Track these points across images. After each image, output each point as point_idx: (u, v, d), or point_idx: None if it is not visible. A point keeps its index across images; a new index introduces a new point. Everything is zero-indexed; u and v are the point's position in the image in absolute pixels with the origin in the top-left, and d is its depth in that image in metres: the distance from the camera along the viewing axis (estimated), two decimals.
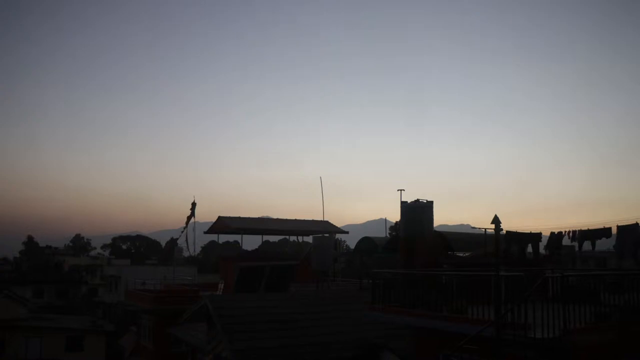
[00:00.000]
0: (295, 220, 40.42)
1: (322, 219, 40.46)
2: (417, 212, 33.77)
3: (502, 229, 12.57)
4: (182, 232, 39.88)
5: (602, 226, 26.90)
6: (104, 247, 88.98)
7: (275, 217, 45.16)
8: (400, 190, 36.20)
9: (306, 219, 40.84)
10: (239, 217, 38.61)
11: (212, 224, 38.41)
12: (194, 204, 40.91)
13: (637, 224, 25.70)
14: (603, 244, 27.26)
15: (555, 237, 28.46)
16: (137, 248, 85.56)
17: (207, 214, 47.75)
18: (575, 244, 27.61)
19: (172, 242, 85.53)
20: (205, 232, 39.76)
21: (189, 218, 38.79)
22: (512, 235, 27.57)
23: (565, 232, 28.09)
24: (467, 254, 29.62)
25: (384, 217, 50.37)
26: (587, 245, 27.05)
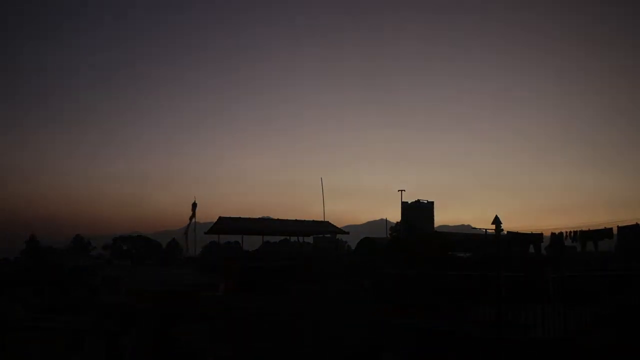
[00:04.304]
0: (296, 220, 40.40)
1: (322, 220, 40.45)
2: (418, 213, 33.83)
3: (502, 230, 12.60)
4: (184, 233, 39.89)
5: (602, 227, 26.92)
6: (104, 247, 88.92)
7: (275, 217, 45.15)
8: (401, 190, 36.25)
9: (307, 219, 40.82)
10: (240, 218, 38.60)
11: (212, 224, 38.40)
12: (194, 205, 40.97)
13: (637, 224, 25.71)
14: (605, 245, 27.26)
15: (557, 238, 28.47)
16: (138, 248, 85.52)
17: (207, 215, 47.75)
18: (577, 244, 27.63)
19: (173, 242, 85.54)
20: (206, 233, 39.75)
21: (190, 219, 38.84)
22: (514, 236, 27.58)
23: (567, 232, 28.11)
24: (468, 255, 29.58)
25: (384, 218, 50.37)
26: (589, 246, 27.07)
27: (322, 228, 39.86)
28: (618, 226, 26.18)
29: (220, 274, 30.76)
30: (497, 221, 11.30)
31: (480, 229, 25.16)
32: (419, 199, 34.09)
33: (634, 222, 25.79)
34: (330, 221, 41.43)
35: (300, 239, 43.19)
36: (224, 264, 34.07)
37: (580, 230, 27.35)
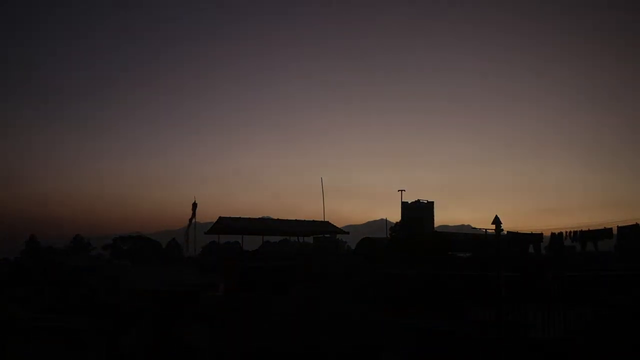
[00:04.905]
0: (296, 220, 40.36)
1: (322, 220, 40.44)
2: (418, 213, 33.87)
3: (502, 230, 12.62)
4: (185, 233, 39.85)
5: (602, 227, 26.96)
6: (104, 247, 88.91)
7: (275, 217, 45.12)
8: (401, 190, 36.26)
9: (307, 219, 40.79)
10: (240, 218, 38.58)
11: (212, 224, 38.37)
12: (194, 205, 41.02)
13: (637, 224, 25.74)
14: (605, 245, 27.29)
15: (557, 238, 28.49)
16: (138, 248, 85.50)
17: (207, 215, 47.73)
18: (577, 244, 27.66)
19: (173, 242, 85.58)
20: (206, 233, 39.73)
21: (190, 220, 38.81)
22: (513, 236, 27.60)
23: (567, 232, 28.13)
24: (467, 255, 29.58)
25: (384, 218, 50.32)
26: (589, 246, 27.09)
27: (322, 228, 39.84)
28: (618, 226, 26.20)
29: (220, 274, 30.78)
30: (497, 221, 11.29)
31: (480, 229, 25.17)
32: (419, 199, 34.08)
33: (634, 222, 25.81)
34: (330, 221, 41.41)
35: (300, 239, 43.17)
36: (224, 264, 34.11)
37: (580, 230, 27.37)
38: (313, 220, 40.50)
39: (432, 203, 34.20)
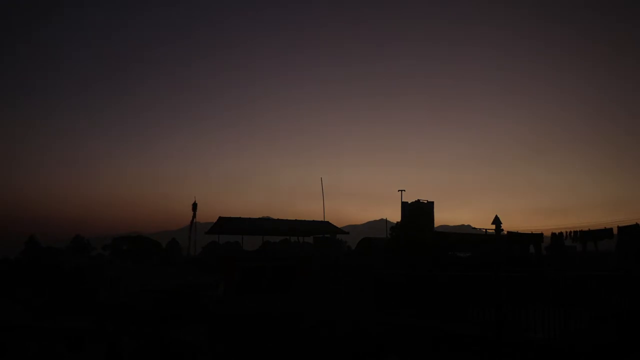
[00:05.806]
0: (296, 220, 40.38)
1: (322, 220, 40.44)
2: (418, 213, 33.85)
3: (502, 230, 12.65)
4: (189, 236, 39.91)
5: (602, 227, 27.00)
6: (104, 247, 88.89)
7: (276, 217, 45.11)
8: (401, 190, 36.28)
9: (307, 219, 40.80)
10: (240, 218, 38.61)
11: (212, 224, 38.38)
12: (194, 205, 41.02)
13: (637, 224, 25.76)
14: (605, 245, 27.32)
15: (557, 238, 28.52)
16: (138, 248, 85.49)
17: (207, 215, 47.76)
18: (577, 244, 27.68)
19: (173, 242, 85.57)
20: (206, 233, 39.75)
21: (192, 221, 38.88)
22: (514, 236, 27.61)
23: (567, 232, 28.16)
24: (467, 255, 29.61)
25: (384, 218, 50.30)
26: (589, 246, 27.11)
27: (322, 228, 39.84)
28: (618, 226, 26.23)
29: (220, 274, 30.77)
30: (497, 221, 11.31)
31: (480, 229, 25.17)
32: (419, 199, 34.07)
33: (634, 222, 25.83)
34: (330, 221, 41.41)
35: (300, 239, 43.17)
36: (224, 263, 34.10)
37: (580, 230, 27.40)
38: (313, 220, 40.50)
39: (432, 203, 34.18)
